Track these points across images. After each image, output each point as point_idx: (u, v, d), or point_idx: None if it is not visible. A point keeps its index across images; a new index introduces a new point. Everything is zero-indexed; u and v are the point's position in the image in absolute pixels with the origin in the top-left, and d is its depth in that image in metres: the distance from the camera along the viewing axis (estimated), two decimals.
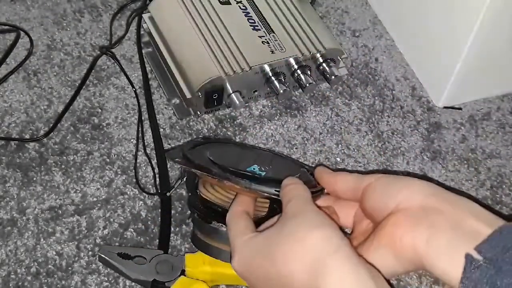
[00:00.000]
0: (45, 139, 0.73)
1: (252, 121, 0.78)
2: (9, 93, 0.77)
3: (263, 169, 0.61)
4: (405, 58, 0.85)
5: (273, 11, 0.80)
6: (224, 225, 0.56)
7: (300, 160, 0.74)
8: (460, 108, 0.82)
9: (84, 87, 0.78)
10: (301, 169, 0.62)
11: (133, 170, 0.71)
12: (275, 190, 0.54)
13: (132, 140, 0.74)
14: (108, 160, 0.72)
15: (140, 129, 0.75)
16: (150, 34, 0.80)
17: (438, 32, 0.78)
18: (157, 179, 0.71)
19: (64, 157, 0.72)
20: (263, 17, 0.79)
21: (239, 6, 0.80)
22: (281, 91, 0.75)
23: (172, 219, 0.68)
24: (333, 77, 0.78)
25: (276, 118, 0.78)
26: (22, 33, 0.83)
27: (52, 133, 0.74)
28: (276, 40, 0.77)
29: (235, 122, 0.77)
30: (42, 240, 0.65)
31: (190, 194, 0.62)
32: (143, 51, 0.82)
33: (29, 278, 0.63)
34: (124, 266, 0.62)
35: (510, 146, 0.79)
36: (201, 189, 0.60)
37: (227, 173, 0.56)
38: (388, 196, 0.49)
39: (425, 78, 0.83)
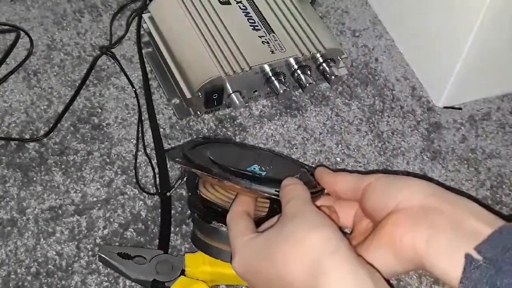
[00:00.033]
0: (45, 139, 0.73)
1: (252, 121, 0.77)
2: (9, 93, 0.77)
3: (263, 169, 0.61)
4: (405, 58, 0.85)
5: (273, 11, 0.80)
6: (224, 225, 0.56)
7: (300, 160, 0.74)
8: (460, 108, 0.81)
9: (84, 87, 0.78)
10: (301, 169, 0.62)
11: (133, 170, 0.71)
12: (275, 190, 0.54)
13: (132, 140, 0.74)
14: (108, 160, 0.72)
15: (140, 129, 0.75)
16: (150, 34, 0.80)
17: (438, 32, 0.78)
18: (157, 179, 0.71)
19: (64, 157, 0.72)
20: (263, 17, 0.79)
21: (239, 6, 0.80)
22: (281, 91, 0.75)
23: (172, 219, 0.67)
24: (333, 77, 0.78)
25: (276, 118, 0.78)
26: (22, 33, 0.82)
27: (52, 133, 0.74)
28: (276, 40, 0.77)
29: (235, 122, 0.77)
30: (42, 240, 0.65)
31: (190, 194, 0.62)
32: (143, 51, 0.82)
33: (29, 278, 0.63)
34: (124, 266, 0.62)
35: (510, 146, 0.79)
36: (201, 189, 0.60)
37: (227, 173, 0.56)
38: (388, 196, 0.49)
39: (425, 78, 0.83)
